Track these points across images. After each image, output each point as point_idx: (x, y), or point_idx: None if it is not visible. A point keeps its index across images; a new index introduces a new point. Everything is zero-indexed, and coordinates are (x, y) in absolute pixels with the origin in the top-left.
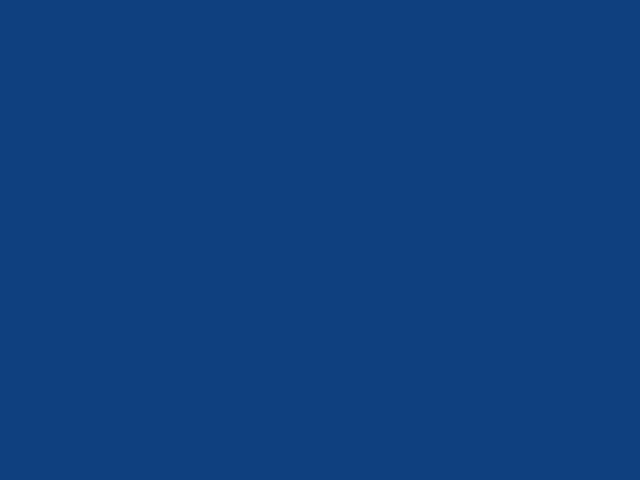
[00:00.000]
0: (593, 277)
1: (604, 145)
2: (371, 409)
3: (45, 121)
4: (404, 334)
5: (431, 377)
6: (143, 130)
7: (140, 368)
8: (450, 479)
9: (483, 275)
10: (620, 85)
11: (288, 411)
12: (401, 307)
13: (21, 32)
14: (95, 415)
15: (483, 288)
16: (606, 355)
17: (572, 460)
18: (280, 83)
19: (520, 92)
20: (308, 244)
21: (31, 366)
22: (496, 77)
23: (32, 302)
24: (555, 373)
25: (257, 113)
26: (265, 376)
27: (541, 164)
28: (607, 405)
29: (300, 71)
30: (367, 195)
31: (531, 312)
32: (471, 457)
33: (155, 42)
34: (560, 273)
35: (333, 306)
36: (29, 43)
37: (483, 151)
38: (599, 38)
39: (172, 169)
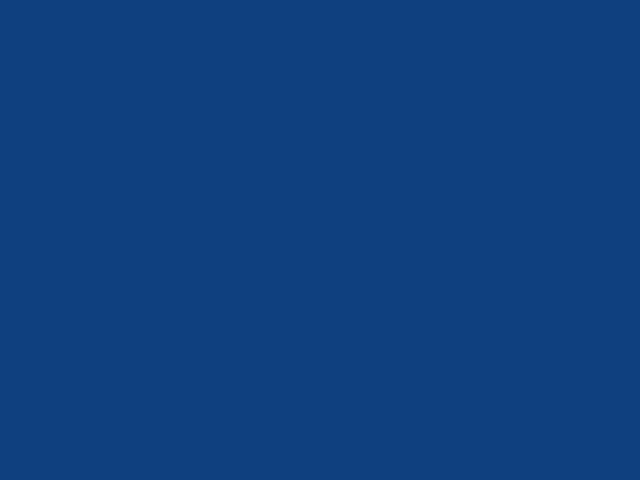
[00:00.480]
0: (593, 277)
1: (604, 145)
2: (371, 409)
3: (45, 121)
4: (404, 334)
5: (431, 377)
6: (143, 130)
7: (140, 368)
8: (450, 479)
9: (483, 275)
10: (620, 85)
11: (288, 411)
12: (401, 307)
13: (21, 32)
14: (95, 415)
15: (483, 288)
16: (606, 355)
17: (572, 460)
18: (280, 83)
19: (520, 92)
20: (308, 244)
21: (31, 366)
22: (496, 77)
23: (32, 302)
24: (555, 373)
25: (257, 113)
26: (265, 376)
27: (541, 164)
28: (607, 405)
29: (300, 71)
30: (367, 195)
31: (531, 312)
32: (471, 457)
33: (155, 42)
34: (560, 273)
35: (333, 306)
36: (29, 43)
37: (483, 151)
38: (599, 38)
39: (172, 169)
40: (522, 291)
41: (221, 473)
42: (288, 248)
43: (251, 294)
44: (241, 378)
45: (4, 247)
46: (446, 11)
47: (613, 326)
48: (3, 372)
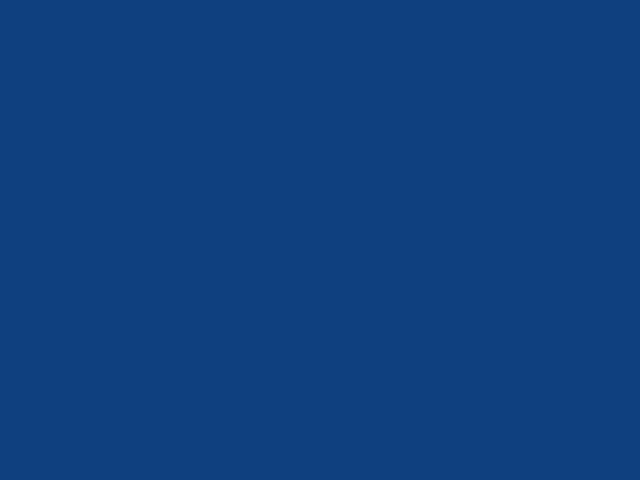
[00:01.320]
0: (593, 277)
1: (604, 145)
2: (371, 409)
3: (45, 121)
4: (404, 334)
5: (431, 377)
6: (143, 130)
7: (140, 368)
8: (450, 479)
9: (483, 275)
10: (620, 85)
11: (288, 411)
12: (401, 307)
13: (21, 32)
14: (95, 415)
15: (483, 288)
16: (606, 355)
17: (572, 460)
18: (280, 83)
19: (520, 92)
20: (308, 244)
21: (31, 366)
22: (496, 77)
23: (32, 302)
24: (555, 373)
25: (257, 113)
26: (265, 376)
27: (541, 164)
28: (607, 405)
29: (300, 71)
30: (367, 195)
31: (531, 312)
32: (471, 457)
33: (155, 42)
34: (560, 273)
35: (333, 306)
36: (29, 43)
37: (483, 151)
38: (599, 38)
39: (172, 169)
40: (522, 291)
41: (221, 473)
42: (288, 248)
43: (251, 294)
44: (241, 378)
45: (4, 247)
46: (446, 11)
47: (613, 326)
48: (3, 372)
